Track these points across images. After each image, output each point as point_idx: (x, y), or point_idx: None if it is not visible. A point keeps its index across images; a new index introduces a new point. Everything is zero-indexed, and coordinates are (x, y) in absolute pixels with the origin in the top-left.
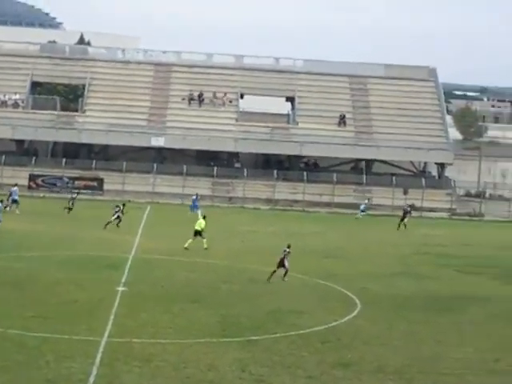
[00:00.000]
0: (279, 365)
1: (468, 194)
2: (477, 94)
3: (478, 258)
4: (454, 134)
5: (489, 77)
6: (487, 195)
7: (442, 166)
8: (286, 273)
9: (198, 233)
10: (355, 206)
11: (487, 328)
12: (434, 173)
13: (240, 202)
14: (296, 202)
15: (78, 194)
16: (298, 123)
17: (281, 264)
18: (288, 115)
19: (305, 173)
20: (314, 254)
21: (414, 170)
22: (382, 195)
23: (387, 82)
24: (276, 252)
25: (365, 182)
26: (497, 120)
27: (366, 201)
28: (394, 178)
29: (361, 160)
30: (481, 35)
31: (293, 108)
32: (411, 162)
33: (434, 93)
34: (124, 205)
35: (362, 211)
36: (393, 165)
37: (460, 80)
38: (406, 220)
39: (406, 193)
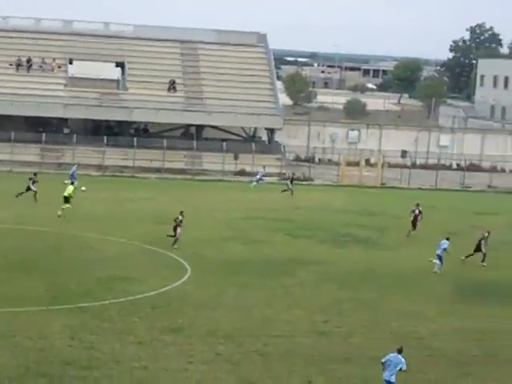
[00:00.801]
0: (109, 331)
1: (298, 159)
2: (307, 59)
3: (308, 221)
4: (285, 99)
5: (319, 42)
6: (316, 160)
7: (271, 131)
8: (175, 241)
9: (66, 199)
10: (185, 172)
11: (316, 290)
12: (264, 138)
13: (69, 168)
14: (126, 167)
15: None
16: (128, 89)
17: (174, 231)
18: (118, 81)
19: (135, 138)
20: (144, 220)
21: (245, 135)
22: (213, 160)
23: (218, 47)
24: (107, 218)
25: (195, 147)
26: (326, 85)
27: (262, 169)
28: (224, 143)
29: (191, 125)
30: (310, 1)
31: (123, 73)
32: (241, 127)
33: (264, 58)
34: (35, 174)
35: (260, 179)
36: (223, 130)
37: (291, 46)
38: (292, 186)
39: (236, 158)
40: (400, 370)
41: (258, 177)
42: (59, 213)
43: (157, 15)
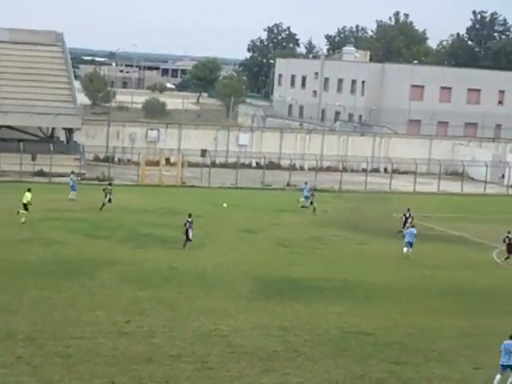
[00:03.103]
0: None
1: (97, 159)
2: (105, 59)
3: (108, 222)
4: (83, 99)
5: (117, 42)
6: (116, 159)
7: (70, 131)
8: (185, 242)
9: (25, 205)
10: None
11: (118, 291)
12: (63, 138)
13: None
14: None
15: None
16: None
17: (186, 234)
18: None
19: None
20: None
21: (42, 136)
22: (10, 161)
23: (12, 46)
24: None
25: None
26: (125, 85)
27: (305, 184)
28: (21, 143)
29: None
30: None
31: None
32: (39, 127)
33: (61, 58)
34: (110, 184)
35: (307, 196)
36: (20, 130)
37: (89, 45)
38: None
39: (34, 158)
40: None
41: (305, 193)
42: (22, 220)
43: None
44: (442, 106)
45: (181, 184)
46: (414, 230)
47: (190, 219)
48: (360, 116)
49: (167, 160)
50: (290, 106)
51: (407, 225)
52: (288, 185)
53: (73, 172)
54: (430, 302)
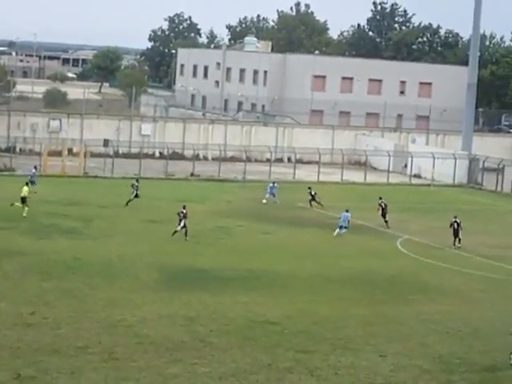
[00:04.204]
0: None
1: None
2: (5, 48)
3: (11, 212)
4: None
5: (17, 31)
6: (18, 150)
7: None
8: (176, 231)
9: (23, 199)
10: None
11: (22, 282)
12: None
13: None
14: None
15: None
16: None
17: (180, 224)
18: None
19: None
20: None
21: None
22: None
23: None
24: None
25: None
26: (25, 75)
27: (271, 184)
28: None
29: None
30: None
31: None
32: None
33: None
34: (137, 180)
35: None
36: None
37: None
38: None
39: None
40: None
41: (271, 191)
42: (24, 214)
43: None
44: (344, 96)
45: (83, 174)
46: (349, 215)
47: (184, 210)
48: (263, 106)
49: (69, 150)
50: (193, 96)
51: (386, 215)
52: (192, 175)
53: (35, 167)
54: (335, 291)
